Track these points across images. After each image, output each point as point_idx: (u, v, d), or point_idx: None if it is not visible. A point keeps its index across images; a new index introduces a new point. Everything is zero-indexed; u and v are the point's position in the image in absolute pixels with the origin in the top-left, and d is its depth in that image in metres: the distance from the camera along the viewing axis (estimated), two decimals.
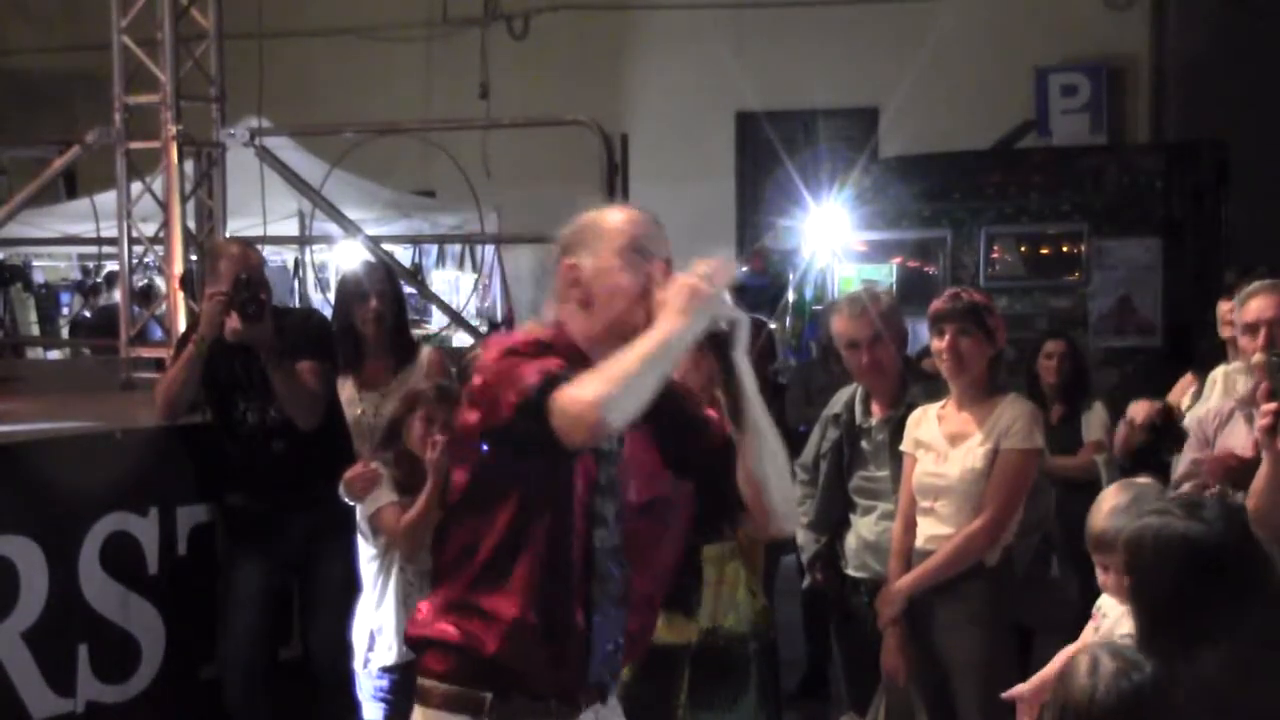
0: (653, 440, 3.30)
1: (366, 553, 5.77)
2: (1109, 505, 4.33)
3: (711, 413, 3.36)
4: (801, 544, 5.89)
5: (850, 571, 5.64)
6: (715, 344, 3.19)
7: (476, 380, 3.19)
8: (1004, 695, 4.41)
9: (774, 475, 3.25)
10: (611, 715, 3.34)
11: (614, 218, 3.34)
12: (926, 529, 5.26)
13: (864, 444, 5.63)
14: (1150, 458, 5.46)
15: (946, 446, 5.24)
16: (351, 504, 5.79)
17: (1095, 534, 4.35)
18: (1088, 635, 4.56)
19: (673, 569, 3.62)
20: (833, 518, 5.73)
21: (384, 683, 5.66)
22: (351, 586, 5.97)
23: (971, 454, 5.18)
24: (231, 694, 6.57)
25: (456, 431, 3.31)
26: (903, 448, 5.39)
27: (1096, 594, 4.78)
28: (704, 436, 3.32)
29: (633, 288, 3.21)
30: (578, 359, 3.17)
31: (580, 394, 2.95)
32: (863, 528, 5.61)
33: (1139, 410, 5.54)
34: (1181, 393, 5.64)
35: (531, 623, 3.12)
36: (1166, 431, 5.16)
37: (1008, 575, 5.30)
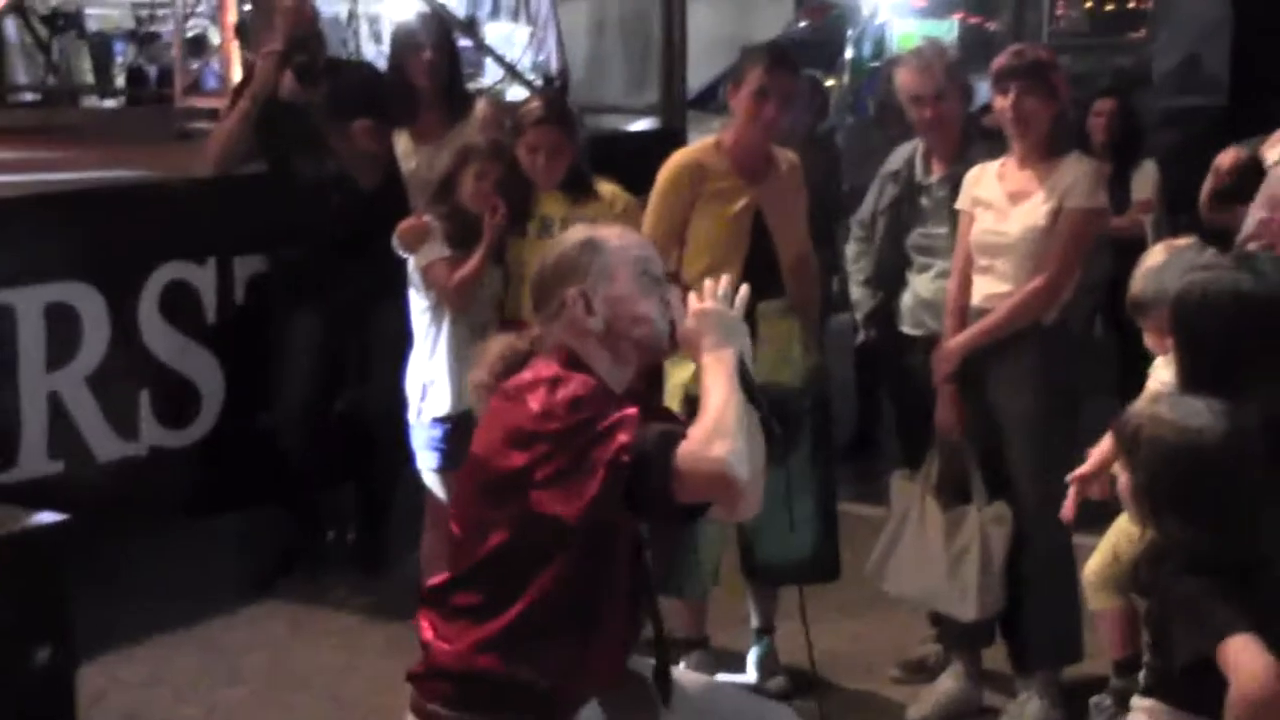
0: None
1: (419, 305, 5.79)
2: (1149, 265, 4.31)
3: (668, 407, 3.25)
4: (856, 300, 5.88)
5: (905, 329, 5.62)
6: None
7: (525, 425, 2.98)
8: (1067, 479, 4.41)
9: (760, 466, 3.08)
10: None
11: (618, 242, 3.21)
12: (984, 287, 5.22)
13: (923, 201, 5.57)
14: (1233, 202, 5.38)
15: (1007, 204, 5.18)
16: (404, 257, 5.80)
17: (1134, 295, 4.33)
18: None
19: None
20: (888, 275, 5.70)
21: (438, 432, 5.72)
22: (405, 340, 6.03)
23: (1033, 212, 5.12)
24: (288, 443, 6.67)
25: (492, 473, 3.07)
26: (960, 205, 5.34)
27: (1138, 356, 4.78)
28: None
29: (654, 314, 3.12)
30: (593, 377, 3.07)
31: (707, 452, 2.86)
32: (919, 285, 5.58)
33: (1226, 157, 5.45)
34: (1271, 146, 5.50)
35: (588, 654, 3.05)
36: (1251, 177, 5.07)
37: (1063, 335, 5.27)
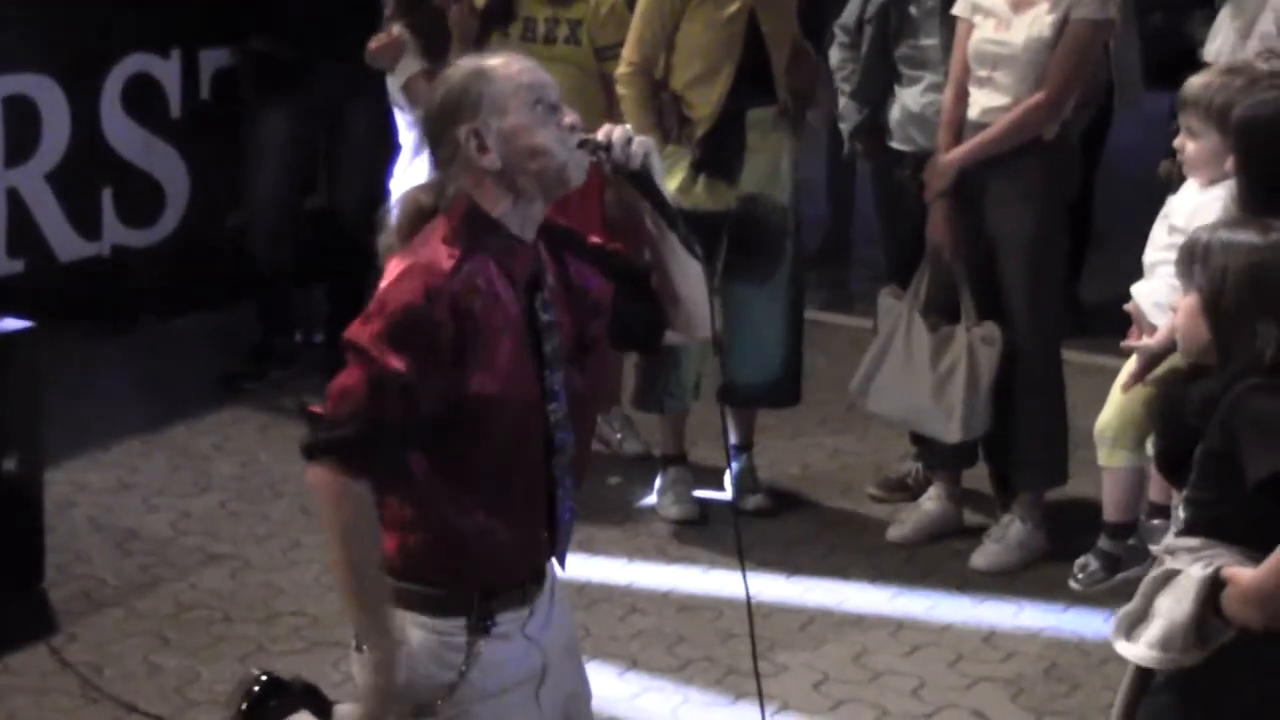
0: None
1: (403, 120, 5.64)
2: (1219, 77, 4.18)
3: (596, 239, 3.10)
4: (841, 113, 5.69)
5: (893, 144, 5.46)
6: (637, 182, 2.95)
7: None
8: (1123, 344, 4.29)
9: (695, 288, 3.01)
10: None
11: (507, 70, 2.94)
12: (982, 100, 5.05)
13: (912, 9, 5.37)
14: None
15: (1009, 13, 4.99)
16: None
17: (1193, 97, 4.18)
18: (1159, 238, 4.50)
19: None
20: (875, 88, 5.52)
21: None
22: (382, 142, 5.86)
23: (1038, 22, 4.93)
24: (257, 241, 6.53)
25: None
26: (956, 11, 5.14)
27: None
28: (611, 261, 3.07)
29: (551, 145, 2.89)
30: (496, 235, 2.88)
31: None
32: (908, 99, 5.39)
33: None
34: None
35: (510, 522, 2.96)
36: None
37: (1064, 149, 5.15)
